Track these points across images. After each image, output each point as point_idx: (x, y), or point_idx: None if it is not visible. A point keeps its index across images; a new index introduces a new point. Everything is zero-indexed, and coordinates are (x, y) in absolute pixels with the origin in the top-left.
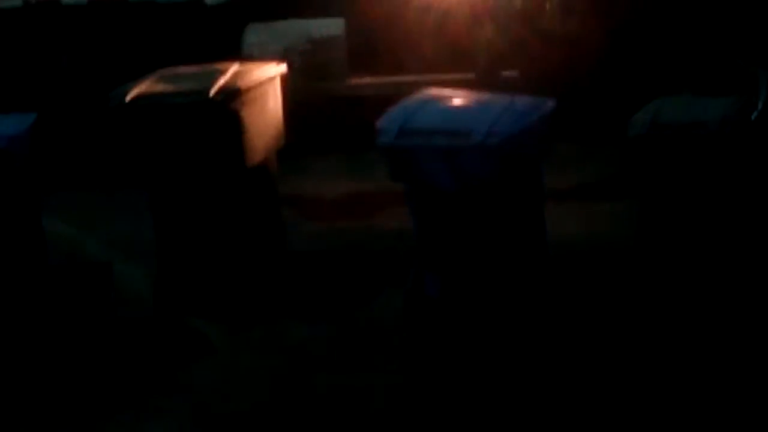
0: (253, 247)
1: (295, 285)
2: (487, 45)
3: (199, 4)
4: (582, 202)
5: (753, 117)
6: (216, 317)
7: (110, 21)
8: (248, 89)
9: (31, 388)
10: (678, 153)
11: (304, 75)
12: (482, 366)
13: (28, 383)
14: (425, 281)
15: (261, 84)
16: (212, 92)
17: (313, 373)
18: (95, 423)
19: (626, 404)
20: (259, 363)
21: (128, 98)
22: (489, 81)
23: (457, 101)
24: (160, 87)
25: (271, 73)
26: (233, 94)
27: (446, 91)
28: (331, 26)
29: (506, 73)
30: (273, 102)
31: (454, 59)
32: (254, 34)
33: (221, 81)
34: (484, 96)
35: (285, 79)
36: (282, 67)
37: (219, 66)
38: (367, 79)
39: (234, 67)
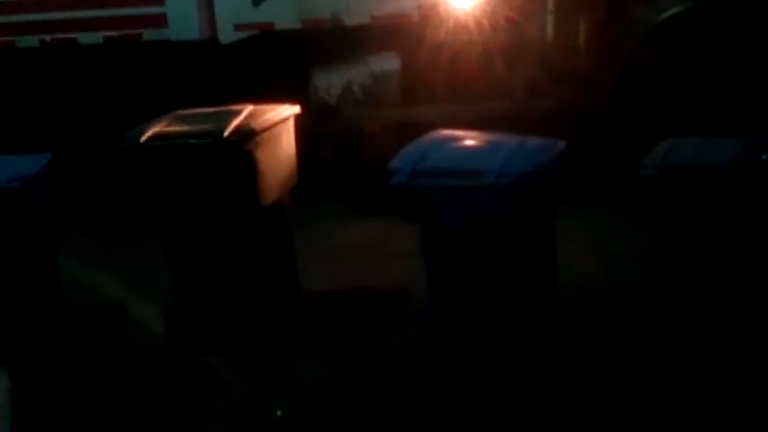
0: (266, 285)
1: (308, 324)
2: (523, 77)
3: (213, 43)
4: (594, 243)
5: (764, 158)
6: (229, 355)
7: (125, 60)
8: (262, 130)
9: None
10: (689, 195)
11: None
12: (493, 407)
13: (44, 420)
14: (437, 322)
15: (275, 124)
16: (227, 133)
17: (325, 413)
18: None
19: None
20: (271, 401)
21: (143, 139)
22: (523, 110)
23: (469, 142)
24: (174, 128)
25: (284, 114)
26: (248, 134)
27: (458, 132)
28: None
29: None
30: (287, 142)
31: (489, 90)
32: (323, 76)
33: (235, 122)
34: (496, 136)
35: (298, 120)
36: (295, 108)
37: (233, 107)
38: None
39: (248, 109)
